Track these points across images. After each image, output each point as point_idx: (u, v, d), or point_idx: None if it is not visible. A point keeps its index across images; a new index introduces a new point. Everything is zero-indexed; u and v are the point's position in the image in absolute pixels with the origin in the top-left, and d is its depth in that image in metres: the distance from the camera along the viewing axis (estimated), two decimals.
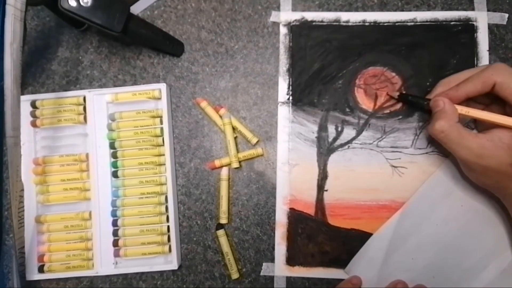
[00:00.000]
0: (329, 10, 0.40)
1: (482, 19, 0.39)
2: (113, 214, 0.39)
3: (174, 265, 0.38)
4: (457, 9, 0.39)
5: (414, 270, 0.37)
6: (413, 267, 0.37)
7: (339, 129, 0.39)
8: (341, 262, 0.38)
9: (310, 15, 0.40)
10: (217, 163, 0.39)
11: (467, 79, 0.33)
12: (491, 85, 0.31)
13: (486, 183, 0.34)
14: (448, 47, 0.39)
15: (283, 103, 0.40)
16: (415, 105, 0.37)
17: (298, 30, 0.40)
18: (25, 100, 0.40)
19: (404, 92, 0.38)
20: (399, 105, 0.39)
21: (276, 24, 0.41)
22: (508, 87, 0.30)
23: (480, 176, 0.33)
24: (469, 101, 0.34)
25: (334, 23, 0.40)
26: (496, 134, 0.31)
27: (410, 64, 0.39)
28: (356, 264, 0.37)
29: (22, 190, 0.37)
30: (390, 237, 0.37)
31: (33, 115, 0.40)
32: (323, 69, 0.40)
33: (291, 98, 0.40)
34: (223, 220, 0.39)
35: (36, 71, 0.41)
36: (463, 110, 0.33)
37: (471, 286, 0.36)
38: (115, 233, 0.39)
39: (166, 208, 0.39)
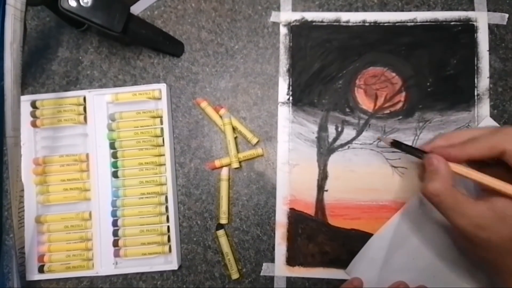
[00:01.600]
0: (329, 10, 0.40)
1: (482, 19, 0.39)
2: (113, 214, 0.39)
3: (174, 265, 0.38)
4: (457, 9, 0.39)
5: (414, 270, 0.37)
6: (413, 267, 0.37)
7: (339, 129, 0.39)
8: (341, 262, 0.38)
9: (310, 15, 0.40)
10: (217, 163, 0.39)
11: (473, 139, 0.29)
12: (500, 151, 0.28)
13: (484, 257, 0.30)
14: (448, 47, 0.39)
15: (283, 103, 0.40)
16: (407, 152, 0.34)
17: (298, 30, 0.40)
18: (25, 100, 0.40)
19: (397, 140, 0.34)
20: (399, 106, 0.39)
21: (276, 24, 0.41)
22: None
23: (480, 250, 0.29)
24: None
25: (334, 23, 0.40)
26: (498, 203, 0.28)
27: (410, 64, 0.39)
28: (356, 265, 0.37)
29: (22, 190, 0.37)
30: (391, 237, 0.37)
31: (33, 115, 0.40)
32: (323, 69, 0.40)
33: (291, 98, 0.40)
34: (223, 220, 0.39)
35: (36, 71, 0.41)
36: (463, 171, 0.29)
37: (472, 286, 0.36)
38: (115, 233, 0.39)
39: (166, 208, 0.39)
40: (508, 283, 0.29)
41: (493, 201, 0.28)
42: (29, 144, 0.40)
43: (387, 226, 0.37)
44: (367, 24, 0.40)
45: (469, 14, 0.39)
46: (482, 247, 0.29)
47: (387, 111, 0.39)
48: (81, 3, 0.33)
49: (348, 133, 0.39)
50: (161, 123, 0.39)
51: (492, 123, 0.38)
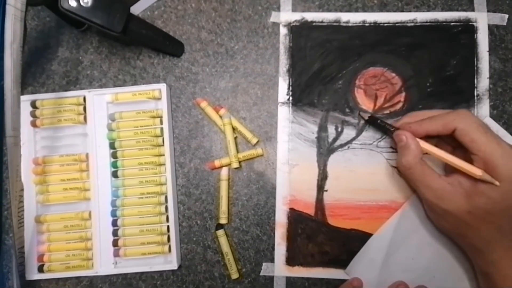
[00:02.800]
0: (329, 10, 0.40)
1: (482, 20, 0.39)
2: (113, 214, 0.39)
3: (173, 265, 0.38)
4: (457, 10, 0.39)
5: (414, 270, 0.37)
6: (413, 267, 0.37)
7: (339, 129, 0.39)
8: (341, 262, 0.38)
9: (310, 16, 0.40)
10: (217, 163, 0.39)
11: (431, 117, 0.33)
12: (452, 129, 0.31)
13: (445, 228, 0.34)
14: (448, 47, 0.39)
15: (283, 103, 0.40)
16: (381, 130, 0.37)
17: (298, 30, 0.40)
18: (25, 100, 0.40)
19: (374, 116, 0.38)
20: (399, 106, 0.39)
21: (276, 25, 0.41)
22: (467, 134, 0.30)
23: (440, 219, 0.33)
24: (439, 141, 0.35)
25: (334, 24, 0.40)
26: (457, 178, 0.31)
27: (410, 65, 0.39)
28: (356, 265, 0.37)
29: (22, 190, 0.37)
30: (390, 238, 0.37)
31: (33, 115, 0.40)
32: (323, 69, 0.40)
33: (291, 98, 0.40)
34: (223, 220, 0.39)
35: (36, 71, 0.41)
36: (425, 146, 0.33)
37: (472, 285, 0.36)
38: (114, 233, 0.39)
39: (166, 208, 0.39)
40: (472, 257, 0.33)
41: (453, 176, 0.32)
42: (29, 144, 0.40)
43: (387, 226, 0.37)
44: (367, 24, 0.40)
45: (469, 14, 0.39)
46: (442, 217, 0.32)
47: (387, 111, 0.39)
48: (81, 3, 0.33)
49: (348, 133, 0.39)
50: (161, 123, 0.39)
51: (492, 123, 0.38)
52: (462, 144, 0.31)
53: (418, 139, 0.33)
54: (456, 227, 0.32)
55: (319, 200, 0.39)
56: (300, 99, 0.40)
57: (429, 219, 0.36)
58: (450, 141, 0.34)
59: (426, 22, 0.39)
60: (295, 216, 0.39)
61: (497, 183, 0.29)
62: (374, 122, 0.37)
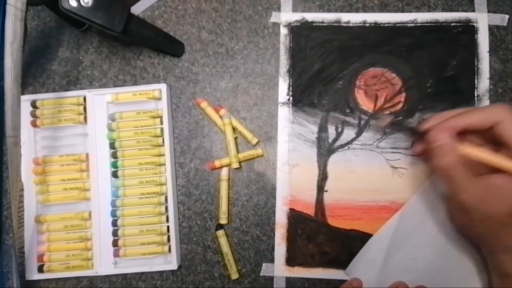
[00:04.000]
0: (329, 11, 0.40)
1: (482, 21, 0.39)
2: (113, 214, 0.39)
3: (173, 265, 0.38)
4: (457, 10, 0.39)
5: (414, 271, 0.37)
6: (413, 267, 0.37)
7: (339, 130, 0.39)
8: (341, 262, 0.38)
9: (311, 16, 0.40)
10: (217, 163, 0.39)
11: (466, 111, 0.31)
12: (491, 123, 0.29)
13: (477, 232, 0.32)
14: (448, 48, 0.39)
15: (283, 103, 0.40)
16: (407, 132, 0.35)
17: (299, 30, 0.40)
18: (25, 100, 0.40)
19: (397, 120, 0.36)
20: (399, 106, 0.39)
21: (276, 25, 0.41)
22: (507, 128, 0.29)
23: (477, 224, 0.31)
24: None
25: (335, 24, 0.40)
26: (499, 179, 0.29)
27: (410, 65, 0.39)
28: (356, 265, 0.37)
29: (22, 190, 0.37)
30: (390, 238, 0.37)
31: (33, 115, 0.40)
32: (324, 69, 0.40)
33: (291, 98, 0.40)
34: (223, 221, 0.39)
35: (36, 71, 0.41)
36: (467, 149, 0.30)
37: (472, 286, 0.36)
38: (114, 233, 0.39)
39: (166, 208, 0.39)
40: (498, 258, 0.31)
41: (493, 177, 0.29)
42: (29, 143, 0.40)
43: (387, 227, 0.37)
44: (367, 24, 0.40)
45: (470, 15, 0.39)
46: (480, 221, 0.30)
47: (387, 112, 0.39)
48: (82, 3, 0.33)
49: (348, 133, 0.39)
50: (161, 123, 0.39)
51: None
52: (502, 140, 0.29)
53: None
54: (491, 230, 0.30)
55: (319, 201, 0.39)
56: (300, 99, 0.40)
57: (459, 227, 0.34)
58: (473, 138, 0.32)
59: (427, 22, 0.39)
60: (295, 217, 0.39)
61: None
62: (397, 126, 0.35)
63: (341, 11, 0.40)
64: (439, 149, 0.30)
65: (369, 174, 0.38)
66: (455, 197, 0.30)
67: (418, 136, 0.34)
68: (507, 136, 0.29)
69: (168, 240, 0.39)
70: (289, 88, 0.40)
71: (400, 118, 0.38)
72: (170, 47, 0.40)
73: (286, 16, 0.40)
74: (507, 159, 0.29)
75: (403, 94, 0.39)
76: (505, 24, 0.39)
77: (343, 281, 0.38)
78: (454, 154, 0.30)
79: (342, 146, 0.39)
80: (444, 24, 0.39)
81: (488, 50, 0.39)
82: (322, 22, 0.40)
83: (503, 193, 0.29)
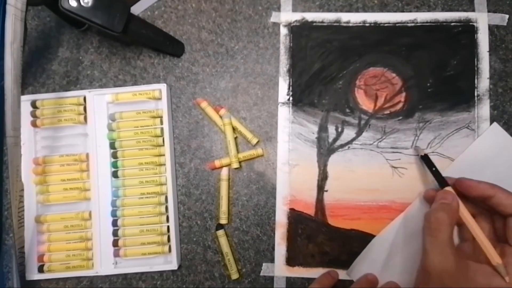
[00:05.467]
0: (329, 10, 0.40)
1: (482, 20, 0.39)
2: (113, 214, 0.39)
3: (174, 265, 0.38)
4: (457, 10, 0.39)
5: (416, 272, 0.37)
6: (415, 269, 0.37)
7: (339, 129, 0.39)
8: (341, 262, 0.38)
9: (311, 16, 0.40)
10: (217, 163, 0.39)
11: (491, 185, 0.31)
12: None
13: None
14: (448, 48, 0.39)
15: (283, 103, 0.40)
16: (432, 172, 0.35)
17: (299, 30, 0.40)
18: (26, 100, 0.40)
19: (429, 157, 0.36)
20: (399, 106, 0.39)
21: (276, 25, 0.41)
22: (507, 204, 0.29)
23: (428, 282, 0.30)
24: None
25: (335, 24, 0.40)
26: (474, 265, 0.29)
27: (410, 65, 0.39)
28: (358, 266, 0.37)
29: (22, 190, 0.37)
30: (393, 239, 0.37)
31: (33, 115, 0.40)
32: (324, 69, 0.40)
33: (291, 98, 0.40)
34: (223, 221, 0.39)
35: (36, 71, 0.41)
36: (464, 211, 0.31)
37: None
38: (115, 233, 0.39)
39: (166, 208, 0.39)
40: None
41: (469, 260, 0.30)
42: (29, 144, 0.40)
43: (390, 228, 0.37)
44: (367, 24, 0.40)
45: (469, 15, 0.39)
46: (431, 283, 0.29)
47: (387, 112, 0.39)
48: (82, 3, 0.33)
49: (348, 133, 0.39)
50: (161, 123, 0.39)
51: (498, 129, 0.38)
52: (495, 210, 0.30)
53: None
54: None
55: (319, 200, 0.39)
56: (301, 99, 0.40)
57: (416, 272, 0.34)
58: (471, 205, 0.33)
59: (427, 22, 0.39)
60: (295, 216, 0.39)
61: (507, 278, 0.28)
62: (427, 163, 0.36)
63: (341, 11, 0.40)
64: (443, 205, 0.31)
65: (369, 174, 0.38)
66: (427, 252, 0.30)
67: (437, 181, 0.34)
68: (501, 210, 0.29)
69: (168, 240, 0.39)
70: (289, 88, 0.40)
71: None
72: (170, 47, 0.40)
73: (286, 16, 0.40)
74: (486, 240, 0.30)
75: (403, 94, 0.39)
76: (505, 24, 0.39)
77: (344, 281, 0.38)
78: (454, 216, 0.30)
79: (342, 146, 0.39)
80: (444, 23, 0.39)
81: (488, 49, 0.39)
82: (322, 22, 0.40)
83: (468, 278, 0.29)
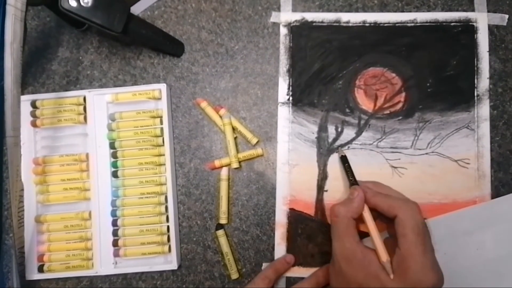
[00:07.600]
0: (329, 10, 0.40)
1: (482, 20, 0.39)
2: (113, 214, 0.39)
3: (173, 265, 0.38)
4: (457, 10, 0.39)
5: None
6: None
7: (339, 129, 0.39)
8: None
9: (310, 16, 0.40)
10: (217, 163, 0.39)
11: (385, 195, 0.33)
12: (394, 215, 0.31)
13: (336, 283, 0.33)
14: (448, 48, 0.39)
15: (283, 103, 0.40)
16: (345, 172, 0.37)
17: (298, 30, 0.40)
18: (25, 100, 0.40)
19: (346, 157, 0.38)
20: (399, 106, 0.39)
21: (276, 25, 0.41)
22: (403, 227, 0.30)
23: (336, 276, 0.33)
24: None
25: (335, 24, 0.40)
26: (370, 254, 0.31)
27: (410, 65, 0.39)
28: None
29: (22, 190, 0.37)
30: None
31: (33, 115, 0.40)
32: (323, 69, 0.40)
33: (291, 98, 0.40)
34: (223, 220, 0.39)
35: (36, 71, 0.41)
36: (365, 214, 0.33)
37: None
38: (114, 233, 0.39)
39: (166, 208, 0.39)
40: None
41: (368, 250, 0.32)
42: (29, 144, 0.40)
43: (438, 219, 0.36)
44: (367, 24, 0.40)
45: (469, 15, 0.39)
46: (339, 275, 0.32)
47: (387, 112, 0.39)
48: (82, 3, 0.33)
49: (348, 133, 0.39)
50: (161, 123, 0.39)
51: None
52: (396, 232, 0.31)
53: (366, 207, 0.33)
54: None
55: (319, 200, 0.39)
56: (300, 99, 0.40)
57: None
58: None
59: (426, 22, 0.39)
60: (295, 216, 0.39)
61: (391, 276, 0.30)
62: (343, 162, 0.37)
63: (341, 11, 0.40)
64: (347, 200, 0.34)
65: (369, 174, 0.38)
66: (332, 242, 0.33)
67: (349, 180, 0.36)
68: (398, 232, 0.30)
69: (168, 240, 0.39)
70: (289, 88, 0.40)
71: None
72: (170, 47, 0.40)
73: (286, 16, 0.40)
74: (379, 238, 0.32)
75: (403, 94, 0.39)
76: (504, 24, 0.39)
77: None
78: (352, 211, 0.33)
79: (342, 145, 0.39)
80: (444, 23, 0.39)
81: (488, 49, 0.39)
82: (322, 22, 0.40)
83: (364, 264, 0.31)
